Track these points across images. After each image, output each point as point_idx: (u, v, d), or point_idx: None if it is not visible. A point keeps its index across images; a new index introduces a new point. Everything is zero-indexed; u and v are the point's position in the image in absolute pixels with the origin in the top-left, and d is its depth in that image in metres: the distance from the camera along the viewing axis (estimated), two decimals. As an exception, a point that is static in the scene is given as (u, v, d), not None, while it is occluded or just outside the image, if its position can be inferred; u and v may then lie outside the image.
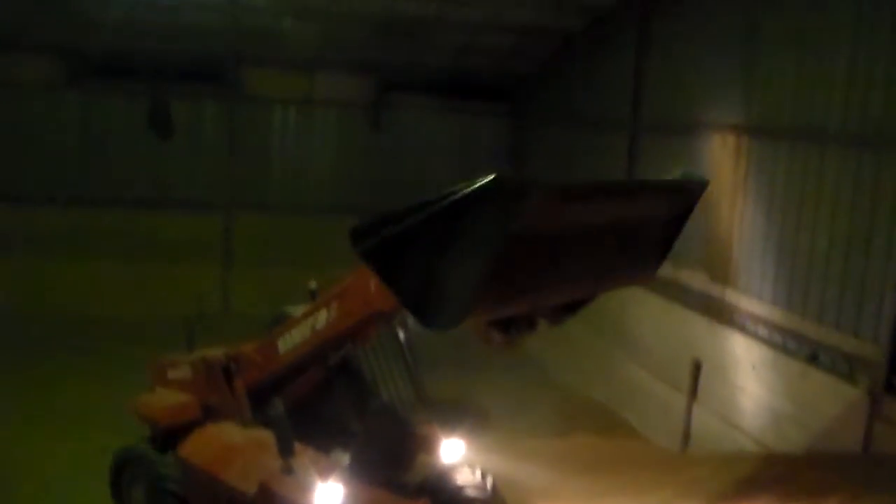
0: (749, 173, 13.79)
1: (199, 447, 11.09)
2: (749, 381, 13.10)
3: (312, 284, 12.81)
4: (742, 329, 13.55)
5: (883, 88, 11.07)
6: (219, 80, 22.51)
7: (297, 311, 11.75)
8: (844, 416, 11.03)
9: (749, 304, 13.49)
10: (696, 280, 14.99)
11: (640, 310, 16.58)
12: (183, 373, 12.07)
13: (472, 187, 5.80)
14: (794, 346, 12.40)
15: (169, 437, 11.59)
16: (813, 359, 11.97)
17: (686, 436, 14.43)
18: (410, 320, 12.43)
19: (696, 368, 14.30)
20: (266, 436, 10.56)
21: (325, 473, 9.77)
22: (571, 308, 7.66)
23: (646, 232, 7.69)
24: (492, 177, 5.74)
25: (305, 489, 9.71)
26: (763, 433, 12.68)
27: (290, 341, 10.80)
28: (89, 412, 15.54)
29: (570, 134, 20.86)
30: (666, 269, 15.71)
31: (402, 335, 11.73)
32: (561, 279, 6.98)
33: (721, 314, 14.16)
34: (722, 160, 14.46)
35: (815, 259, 12.17)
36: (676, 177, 8.08)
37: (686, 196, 7.87)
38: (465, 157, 23.92)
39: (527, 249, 6.13)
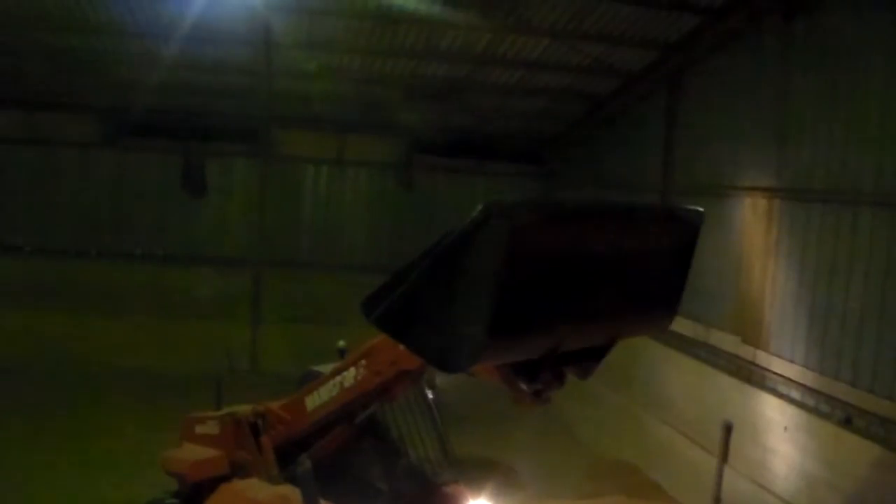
0: (781, 236, 13.74)
1: (225, 503, 11.08)
2: (781, 444, 12.92)
3: (341, 343, 12.86)
4: (774, 391, 13.39)
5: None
6: (252, 140, 22.80)
7: (326, 369, 11.81)
8: (880, 481, 10.83)
9: (781, 366, 13.35)
10: (727, 342, 14.88)
11: (670, 370, 16.47)
12: (211, 428, 12.11)
13: (468, 221, 5.78)
14: (827, 408, 12.23)
15: (195, 492, 11.61)
16: (847, 422, 11.79)
17: (717, 498, 14.21)
18: (438, 379, 12.47)
19: (727, 430, 14.13)
20: (292, 493, 10.52)
21: None
22: (595, 356, 7.54)
23: (653, 264, 7.41)
24: (481, 206, 5.73)
25: None
26: (796, 497, 12.47)
27: (318, 399, 10.82)
28: (118, 464, 15.56)
29: (599, 195, 20.89)
30: (697, 330, 15.74)
31: (429, 394, 11.72)
32: (573, 314, 6.79)
33: (752, 376, 14.02)
34: (754, 223, 14.44)
35: (848, 321, 12.05)
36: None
37: (686, 227, 7.58)
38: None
39: (532, 280, 6.02)
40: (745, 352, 14.33)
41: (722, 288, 15.21)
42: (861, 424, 11.52)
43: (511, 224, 5.59)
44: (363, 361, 10.26)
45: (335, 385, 10.55)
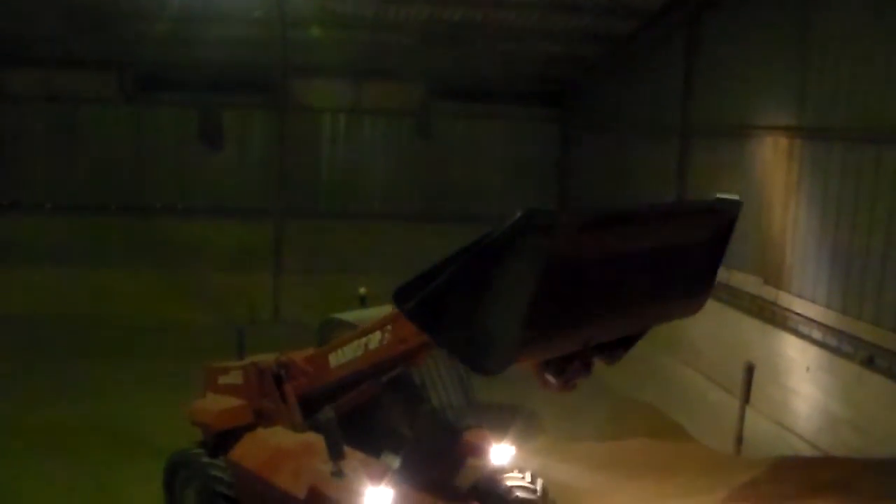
0: (802, 175, 13.60)
1: (250, 451, 11.21)
2: (803, 385, 12.91)
3: (362, 290, 12.90)
4: (796, 332, 13.36)
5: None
6: (268, 91, 22.75)
7: (347, 317, 11.86)
8: (902, 420, 10.83)
9: (803, 306, 13.29)
10: (749, 283, 14.82)
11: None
12: (234, 378, 12.22)
13: (502, 228, 5.80)
14: (849, 349, 12.18)
15: (220, 441, 11.73)
16: (869, 362, 11.74)
17: (739, 439, 14.25)
18: None
19: (749, 371, 14.13)
20: (316, 440, 10.61)
21: (375, 477, 9.80)
22: (624, 344, 7.60)
23: (688, 257, 7.59)
24: (520, 214, 5.73)
25: (355, 493, 9.74)
26: (818, 437, 12.49)
27: (342, 357, 10.87)
28: (142, 417, 15.75)
29: (619, 139, 20.76)
30: (719, 273, 15.61)
31: None
32: (607, 312, 6.96)
33: (774, 317, 13.98)
34: (774, 163, 14.29)
35: (871, 261, 11.95)
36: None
37: (722, 217, 7.78)
38: (514, 162, 23.93)
39: (568, 284, 6.10)
40: (767, 293, 14.27)
41: (743, 229, 14.97)
42: (884, 364, 11.48)
43: (550, 235, 5.66)
44: (389, 327, 10.31)
45: (359, 346, 10.59)
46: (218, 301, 21.12)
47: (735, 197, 7.96)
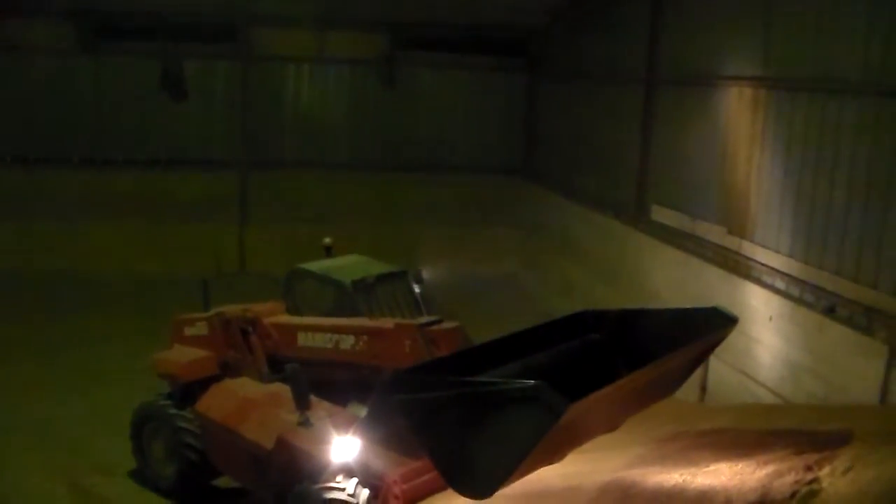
0: (767, 125, 13.65)
1: (217, 402, 11.32)
2: (766, 334, 13.06)
3: (327, 240, 12.94)
4: (759, 281, 13.49)
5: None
6: (230, 40, 22.44)
7: (312, 267, 11.92)
8: (862, 368, 10.98)
9: (766, 256, 13.42)
10: (712, 232, 14.93)
11: (656, 262, 16.57)
12: (200, 330, 12.28)
13: (513, 386, 6.36)
14: (811, 298, 12.33)
15: (187, 392, 11.80)
16: (830, 311, 11.89)
17: (703, 388, 14.43)
18: (425, 274, 12.59)
19: (713, 321, 14.25)
20: (283, 390, 10.75)
21: (342, 427, 9.88)
22: None
23: (677, 374, 8.37)
24: (531, 384, 6.22)
25: (323, 442, 9.85)
26: (780, 385, 12.67)
27: (310, 341, 11.04)
28: (107, 369, 15.73)
29: (584, 87, 20.72)
30: (683, 222, 15.79)
31: (416, 289, 11.81)
32: (590, 437, 7.81)
33: (738, 266, 14.10)
34: (739, 113, 14.33)
35: (834, 211, 12.06)
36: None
37: (715, 335, 8.36)
38: (479, 111, 23.87)
39: (561, 436, 6.57)
40: (731, 242, 14.38)
41: (707, 179, 15.19)
42: (845, 313, 11.63)
43: (556, 414, 6.07)
44: (365, 337, 10.39)
45: (330, 340, 10.76)
46: (183, 253, 21.01)
47: (733, 314, 8.45)
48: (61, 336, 17.63)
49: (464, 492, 6.87)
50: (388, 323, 10.61)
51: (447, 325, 10.50)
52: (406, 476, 9.75)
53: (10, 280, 20.10)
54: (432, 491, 9.87)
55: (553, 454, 7.20)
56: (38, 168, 21.77)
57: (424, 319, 10.60)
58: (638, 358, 7.60)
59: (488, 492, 6.61)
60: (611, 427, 8.23)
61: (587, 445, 11.01)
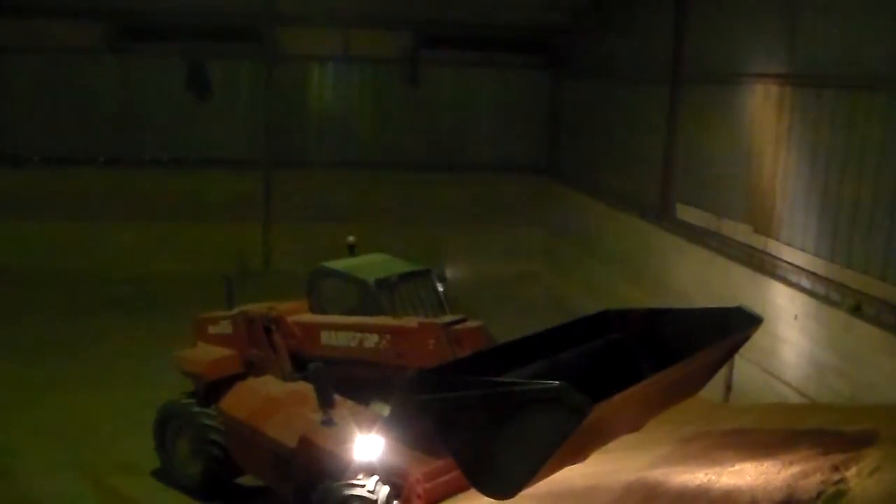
0: (793, 123, 13.54)
1: (241, 400, 11.39)
2: (792, 333, 12.96)
3: (351, 239, 12.97)
4: (785, 280, 13.39)
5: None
6: (255, 40, 22.53)
7: (336, 265, 11.94)
8: (889, 367, 10.88)
9: (792, 255, 13.31)
10: (738, 231, 14.83)
11: (681, 260, 16.48)
12: (224, 328, 12.33)
13: (536, 387, 6.39)
14: (837, 297, 12.23)
15: (211, 391, 11.84)
16: (857, 310, 11.79)
17: (728, 387, 14.34)
18: (448, 273, 12.58)
19: (738, 320, 14.15)
20: (306, 389, 10.79)
21: (364, 425, 9.90)
22: None
23: (700, 374, 8.36)
24: (555, 385, 6.23)
25: (345, 441, 9.88)
26: (805, 384, 12.57)
27: (334, 340, 11.08)
28: (131, 368, 15.82)
29: (609, 86, 20.64)
30: (708, 220, 15.69)
31: (440, 287, 11.80)
32: (613, 437, 7.82)
33: (763, 265, 14.00)
34: (765, 111, 14.23)
35: (860, 209, 11.94)
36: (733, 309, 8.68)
37: (739, 335, 8.39)
38: (503, 110, 23.83)
39: (585, 436, 6.60)
40: (757, 241, 14.28)
41: (733, 177, 15.09)
42: (871, 312, 11.52)
43: (580, 415, 6.11)
44: (389, 336, 10.40)
45: (354, 338, 10.78)
46: (208, 252, 21.08)
47: (757, 314, 8.56)
48: (85, 335, 17.75)
49: (487, 492, 6.88)
50: (411, 322, 10.59)
51: (471, 324, 10.48)
52: (429, 475, 9.74)
53: (35, 278, 20.28)
54: (455, 490, 9.85)
55: (577, 454, 7.19)
56: (64, 168, 21.90)
57: (448, 318, 10.57)
58: (662, 358, 7.62)
59: (512, 492, 6.61)
60: (634, 427, 8.19)
61: (611, 445, 11.01)
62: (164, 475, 12.43)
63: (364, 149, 23.52)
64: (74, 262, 21.00)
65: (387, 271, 11.63)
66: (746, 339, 8.57)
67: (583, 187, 21.83)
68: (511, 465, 6.49)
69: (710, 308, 9.25)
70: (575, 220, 22.16)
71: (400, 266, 11.93)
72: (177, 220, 22.03)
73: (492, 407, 6.51)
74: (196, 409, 11.96)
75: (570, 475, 10.39)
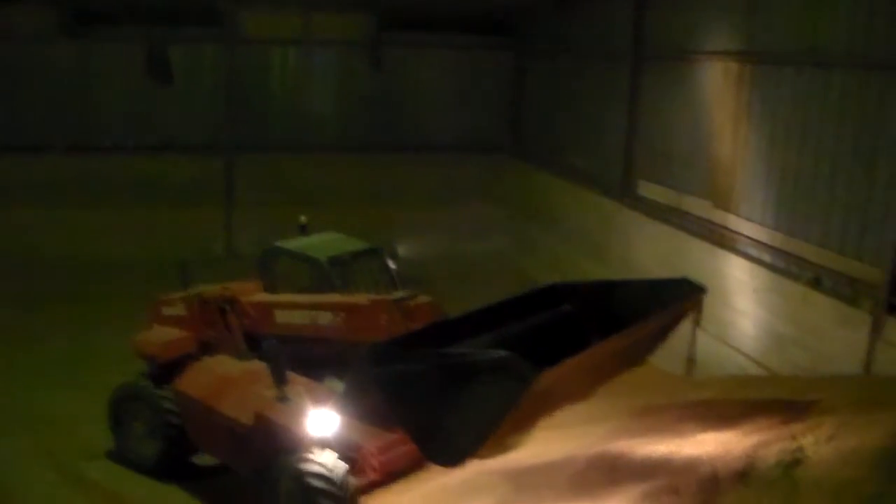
0: (752, 100, 13.66)
1: (196, 380, 11.51)
2: (752, 306, 13.13)
3: (303, 219, 13.11)
4: (744, 254, 13.53)
5: (888, 9, 10.92)
6: (216, 23, 22.32)
7: (288, 245, 12.06)
8: (846, 338, 11.05)
9: (752, 229, 13.45)
10: (698, 207, 14.97)
11: (642, 236, 16.60)
12: (178, 310, 12.42)
13: (484, 357, 6.64)
14: (796, 270, 12.39)
15: (166, 371, 11.92)
16: (816, 283, 11.97)
17: (691, 361, 14.49)
18: (400, 250, 12.75)
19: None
20: (261, 367, 10.92)
21: (319, 401, 10.03)
22: None
23: (645, 343, 8.76)
24: (502, 354, 6.50)
25: (300, 416, 10.01)
26: (766, 356, 12.73)
27: (288, 318, 11.14)
28: (94, 354, 15.74)
29: (571, 65, 20.69)
30: (669, 196, 15.82)
31: (392, 265, 11.93)
32: (562, 403, 7.91)
33: (723, 240, 14.14)
34: (725, 88, 14.34)
35: (819, 184, 12.09)
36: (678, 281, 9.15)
37: (682, 304, 8.83)
38: (467, 91, 23.83)
39: (533, 404, 6.77)
40: (717, 216, 14.42)
41: (694, 154, 15.22)
42: (829, 284, 11.71)
43: (527, 383, 6.31)
44: (342, 314, 10.51)
45: (308, 316, 10.91)
46: (171, 237, 20.92)
47: (702, 284, 9.02)
48: (48, 322, 17.61)
49: (437, 460, 7.04)
50: (364, 299, 10.72)
51: (422, 299, 10.71)
52: (383, 448, 9.97)
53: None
54: (409, 462, 10.11)
55: (524, 421, 7.30)
56: (24, 155, 21.63)
57: (400, 294, 10.74)
58: (610, 328, 7.81)
59: (461, 459, 6.76)
60: (582, 396, 8.37)
61: (572, 418, 11.16)
62: (121, 458, 12.45)
63: (327, 132, 23.44)
64: (35, 250, 20.73)
65: (339, 250, 11.79)
66: (691, 308, 8.91)
67: (546, 166, 21.90)
68: (460, 433, 6.60)
69: (657, 280, 9.49)
70: (539, 199, 22.24)
71: (352, 244, 12.10)
72: (139, 205, 21.80)
73: (441, 377, 6.62)
74: (151, 389, 11.98)
75: (535, 451, 10.52)
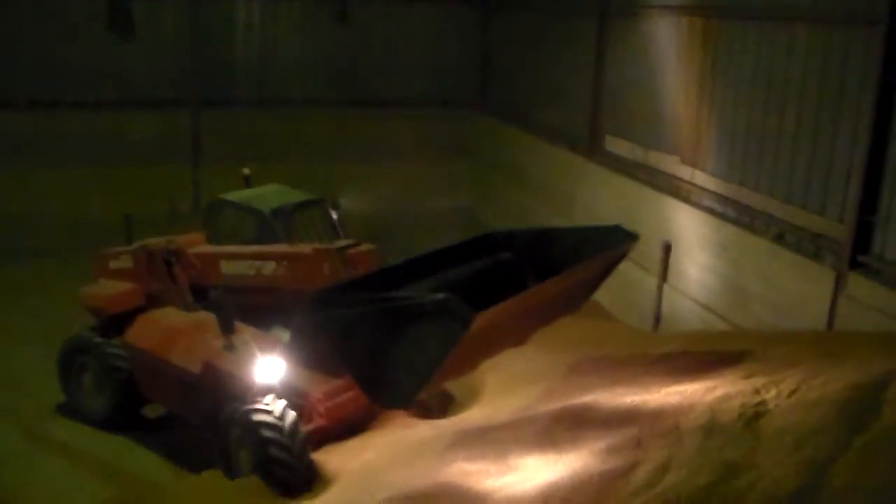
0: (717, 55, 13.66)
1: (144, 332, 11.69)
2: (718, 261, 13.22)
3: (246, 171, 13.28)
4: (711, 210, 13.58)
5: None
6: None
7: (232, 197, 12.18)
8: (810, 294, 11.16)
9: (717, 184, 13.50)
10: (665, 162, 15.01)
11: (610, 192, 16.63)
12: (124, 263, 12.55)
13: (425, 300, 6.78)
14: (761, 226, 12.47)
15: (114, 324, 12.09)
16: (780, 238, 12.06)
17: (657, 317, 14.65)
18: (342, 201, 12.91)
19: (666, 250, 14.39)
20: (208, 318, 11.18)
21: (266, 349, 10.27)
22: None
23: (580, 288, 9.05)
24: (441, 297, 6.68)
25: (248, 363, 10.26)
26: (732, 312, 12.83)
27: (233, 269, 11.36)
28: (58, 313, 15.62)
29: (538, 20, 20.55)
30: (636, 152, 15.87)
31: (334, 215, 12.05)
32: (500, 347, 8.24)
33: (690, 195, 14.19)
34: (690, 43, 14.32)
35: (783, 141, 12.15)
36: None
37: (617, 251, 9.05)
38: (434, 45, 23.65)
39: (472, 346, 6.93)
40: (683, 172, 14.46)
41: (660, 110, 15.22)
42: (793, 240, 11.82)
43: (465, 323, 6.49)
44: (286, 263, 10.68)
45: (252, 266, 11.13)
46: (137, 196, 20.69)
47: (634, 232, 9.35)
48: (11, 282, 17.49)
49: (381, 402, 7.41)
50: (306, 248, 10.87)
51: (364, 247, 10.99)
52: (329, 394, 10.29)
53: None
54: (356, 408, 10.41)
55: (465, 364, 7.60)
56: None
57: (342, 243, 10.96)
58: (547, 275, 8.11)
59: (404, 402, 7.08)
60: (519, 340, 8.73)
61: (537, 375, 11.29)
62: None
63: (293, 86, 23.15)
64: (1, 209, 20.49)
65: (282, 201, 11.94)
66: (624, 255, 9.31)
67: (513, 121, 21.83)
68: (403, 375, 6.82)
69: (591, 226, 9.83)
70: (505, 154, 22.20)
71: (295, 196, 12.27)
72: (103, 163, 21.50)
73: (384, 321, 6.81)
74: (99, 342, 12.09)
75: (501, 409, 10.66)
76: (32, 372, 13.69)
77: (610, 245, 9.04)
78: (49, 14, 21.53)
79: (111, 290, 12.36)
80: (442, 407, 11.43)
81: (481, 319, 6.55)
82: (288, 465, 9.65)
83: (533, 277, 8.59)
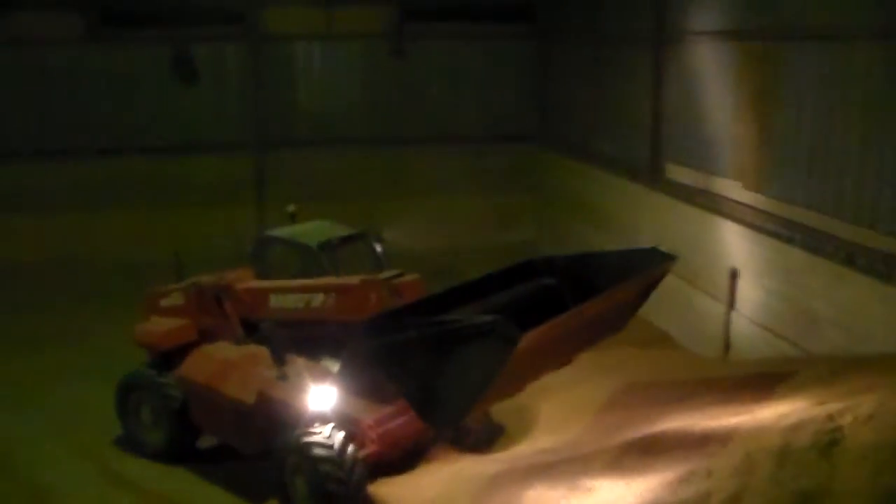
0: (776, 78, 13.53)
1: (198, 366, 11.96)
2: (786, 287, 12.98)
3: (291, 208, 13.50)
4: (776, 234, 13.36)
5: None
6: (239, 21, 22.44)
7: (279, 233, 12.44)
8: (883, 317, 10.92)
9: (782, 209, 13.30)
10: (728, 188, 14.80)
11: (673, 220, 16.43)
12: (175, 300, 12.85)
13: (472, 322, 7.00)
14: (830, 249, 12.23)
15: (167, 359, 12.36)
16: (850, 261, 11.83)
17: (726, 344, 14.40)
18: (386, 234, 13.12)
19: (733, 276, 14.18)
20: (259, 350, 11.42)
21: (317, 378, 10.53)
22: None
23: (620, 310, 9.23)
24: (490, 318, 6.91)
25: (301, 392, 10.50)
26: (802, 338, 12.52)
27: (282, 302, 11.56)
28: (130, 353, 15.87)
29: (595, 50, 20.51)
30: (697, 179, 15.70)
31: (378, 248, 12.20)
32: (546, 369, 8.48)
33: (755, 221, 14.01)
34: (749, 65, 14.18)
35: (849, 160, 11.88)
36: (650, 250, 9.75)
37: (654, 272, 9.27)
38: (491, 80, 23.74)
39: (519, 367, 7.16)
40: (747, 197, 14.24)
41: (720, 134, 15.03)
42: (863, 262, 11.55)
43: (512, 343, 6.70)
44: (333, 294, 10.85)
45: (301, 300, 11.38)
46: (202, 237, 21.05)
47: (671, 252, 9.59)
48: (83, 322, 17.87)
49: (433, 422, 7.57)
50: (353, 279, 10.96)
51: (408, 277, 11.00)
52: (380, 420, 10.40)
53: (31, 272, 20.27)
54: (406, 434, 10.50)
55: (513, 385, 7.77)
56: (54, 160, 21.85)
57: (388, 274, 11.01)
58: (588, 298, 8.31)
59: (455, 421, 7.31)
60: (564, 361, 9.03)
61: (601, 404, 11.22)
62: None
63: (353, 125, 23.41)
64: (69, 253, 20.98)
65: (327, 235, 12.11)
66: (662, 275, 9.52)
67: (573, 153, 21.75)
68: (454, 395, 6.96)
69: (629, 249, 9.96)
70: (567, 187, 22.12)
71: (340, 230, 12.47)
72: (169, 206, 21.98)
73: (434, 344, 6.98)
74: (155, 377, 12.37)
75: (563, 438, 10.57)
76: (102, 412, 13.89)
77: (647, 266, 9.15)
78: (114, 64, 22.11)
79: (164, 326, 12.63)
80: (489, 440, 11.44)
81: (527, 340, 6.75)
82: (346, 500, 9.84)
83: (574, 301, 8.75)
